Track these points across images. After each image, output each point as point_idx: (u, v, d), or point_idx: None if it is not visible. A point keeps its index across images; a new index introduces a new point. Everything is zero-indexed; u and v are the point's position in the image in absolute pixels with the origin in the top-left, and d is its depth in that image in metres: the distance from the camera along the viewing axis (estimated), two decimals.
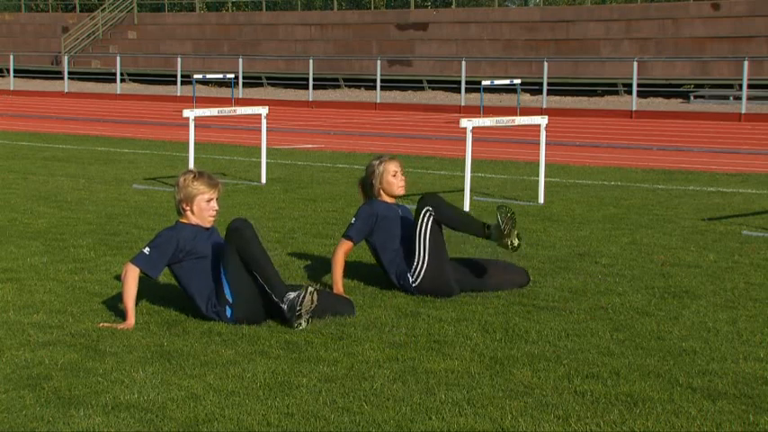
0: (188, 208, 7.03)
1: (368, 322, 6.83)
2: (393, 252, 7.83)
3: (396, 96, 38.24)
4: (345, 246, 7.84)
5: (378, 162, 7.99)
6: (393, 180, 7.94)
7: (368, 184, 8.00)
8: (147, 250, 6.93)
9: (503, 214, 7.59)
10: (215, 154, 18.46)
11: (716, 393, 5.50)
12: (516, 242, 7.67)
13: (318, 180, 14.80)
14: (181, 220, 7.10)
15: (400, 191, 7.98)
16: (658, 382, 5.69)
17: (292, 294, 6.68)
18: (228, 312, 6.81)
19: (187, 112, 14.11)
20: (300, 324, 6.64)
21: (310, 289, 6.64)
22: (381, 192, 7.97)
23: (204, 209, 7.01)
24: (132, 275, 6.87)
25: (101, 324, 6.77)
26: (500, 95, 36.36)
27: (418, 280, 7.67)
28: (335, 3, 47.41)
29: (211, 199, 7.03)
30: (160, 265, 6.94)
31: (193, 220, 7.04)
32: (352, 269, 8.55)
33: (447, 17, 43.49)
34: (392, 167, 7.95)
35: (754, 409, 5.28)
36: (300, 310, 6.61)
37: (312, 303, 6.64)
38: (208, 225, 7.07)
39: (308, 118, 30.15)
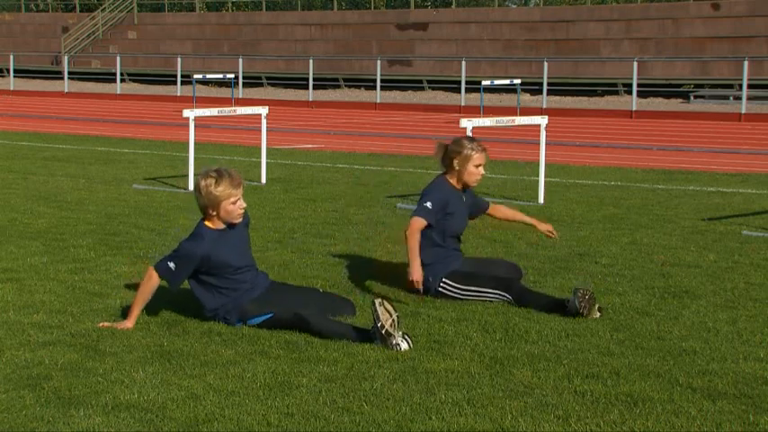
0: (214, 213, 6.87)
1: (368, 322, 6.82)
2: (430, 241, 7.63)
3: (396, 96, 38.24)
4: (420, 224, 7.56)
5: (470, 145, 7.73)
6: (474, 171, 7.72)
7: (448, 158, 7.77)
8: (171, 265, 6.79)
9: (580, 300, 7.02)
10: (215, 154, 18.46)
11: (716, 393, 5.50)
12: (596, 315, 7.12)
13: (318, 180, 14.81)
14: (206, 222, 6.93)
15: (475, 183, 7.79)
16: (658, 382, 5.68)
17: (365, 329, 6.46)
18: (238, 324, 6.79)
19: (187, 112, 14.11)
20: (399, 345, 6.24)
21: (377, 301, 6.32)
22: (457, 175, 7.76)
23: (231, 210, 6.86)
24: (152, 284, 6.79)
25: (101, 324, 6.76)
26: (500, 95, 36.37)
27: (443, 290, 7.64)
28: (335, 3, 47.40)
29: (237, 199, 6.88)
30: (181, 278, 6.85)
31: (220, 223, 6.91)
32: (352, 269, 8.55)
33: (447, 17, 43.50)
34: (479, 158, 7.71)
35: (754, 409, 5.28)
36: (384, 329, 6.23)
37: (390, 315, 6.25)
38: (237, 221, 6.93)
39: (308, 118, 30.15)
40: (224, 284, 6.85)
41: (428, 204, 7.64)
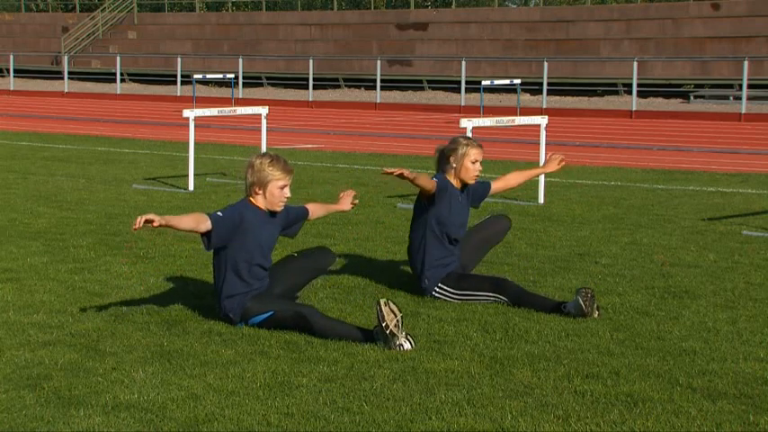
0: (260, 192, 6.89)
1: (368, 322, 6.82)
2: (434, 239, 7.67)
3: (396, 96, 38.23)
4: (433, 182, 7.63)
5: (465, 142, 7.80)
6: (471, 167, 7.77)
7: (444, 157, 7.82)
8: (219, 213, 6.76)
9: (584, 298, 7.06)
10: (215, 154, 18.46)
11: (716, 393, 5.50)
12: (597, 315, 7.15)
13: (318, 180, 14.80)
14: (249, 199, 6.94)
15: (472, 180, 7.83)
16: (658, 382, 5.69)
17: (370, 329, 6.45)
18: (240, 325, 6.78)
19: (187, 112, 14.11)
20: (402, 345, 6.26)
21: (382, 301, 6.34)
22: (454, 172, 7.79)
23: (276, 195, 6.88)
24: (198, 216, 6.67)
25: (140, 222, 6.32)
26: (500, 95, 36.36)
27: (438, 294, 7.64)
28: (335, 3, 47.40)
29: (285, 186, 6.90)
30: (223, 228, 6.71)
31: (262, 203, 6.92)
32: (351, 269, 8.55)
33: (447, 17, 43.49)
34: (475, 154, 7.76)
35: (754, 409, 5.28)
36: (389, 329, 6.24)
37: (395, 315, 6.26)
38: (277, 209, 6.93)
39: (308, 118, 30.15)
40: (245, 273, 6.83)
41: (434, 177, 7.76)
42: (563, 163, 8.57)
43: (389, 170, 7.23)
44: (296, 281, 7.13)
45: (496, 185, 8.26)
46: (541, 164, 8.79)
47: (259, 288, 6.88)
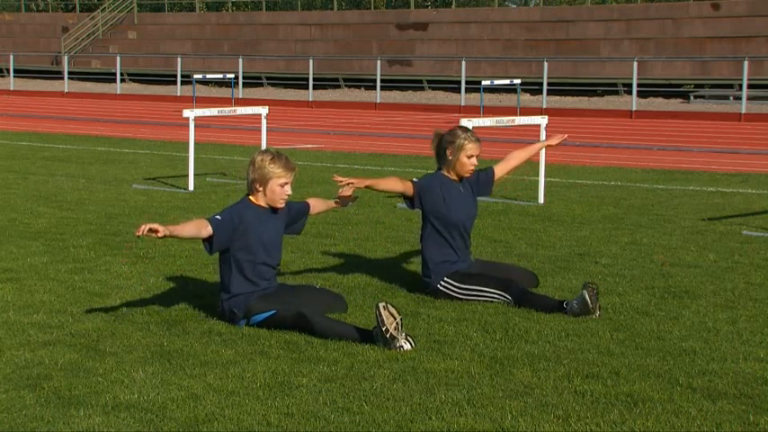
0: (261, 189, 6.91)
1: (368, 322, 6.82)
2: (437, 236, 7.68)
3: (396, 96, 38.23)
4: (407, 184, 7.69)
5: (463, 136, 7.75)
6: (466, 161, 7.74)
7: (442, 148, 7.81)
8: (218, 216, 6.80)
9: (590, 293, 7.04)
10: (215, 154, 18.46)
11: (716, 393, 5.50)
12: (597, 314, 7.12)
13: (318, 180, 14.80)
14: (250, 197, 6.97)
15: (467, 174, 7.79)
16: (658, 382, 5.68)
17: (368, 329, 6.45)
18: (241, 323, 6.78)
19: (187, 112, 14.11)
20: (402, 347, 6.25)
21: (381, 305, 6.32)
22: (449, 165, 7.78)
23: (277, 192, 6.91)
24: (200, 223, 6.73)
25: (141, 230, 6.41)
26: (500, 95, 36.36)
27: (443, 288, 7.64)
28: (335, 3, 47.41)
29: (286, 183, 6.92)
30: (223, 231, 6.75)
31: (263, 201, 6.94)
32: (351, 269, 8.56)
33: (447, 17, 43.50)
34: (471, 149, 7.72)
35: (754, 409, 5.28)
36: (389, 332, 6.23)
37: (394, 318, 6.25)
38: (279, 206, 6.96)
39: (308, 118, 30.15)
40: (250, 272, 6.84)
41: (414, 179, 7.81)
42: (564, 137, 8.67)
43: (340, 181, 7.27)
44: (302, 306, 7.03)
45: (499, 168, 8.19)
46: (539, 146, 8.81)
47: (266, 288, 6.88)
